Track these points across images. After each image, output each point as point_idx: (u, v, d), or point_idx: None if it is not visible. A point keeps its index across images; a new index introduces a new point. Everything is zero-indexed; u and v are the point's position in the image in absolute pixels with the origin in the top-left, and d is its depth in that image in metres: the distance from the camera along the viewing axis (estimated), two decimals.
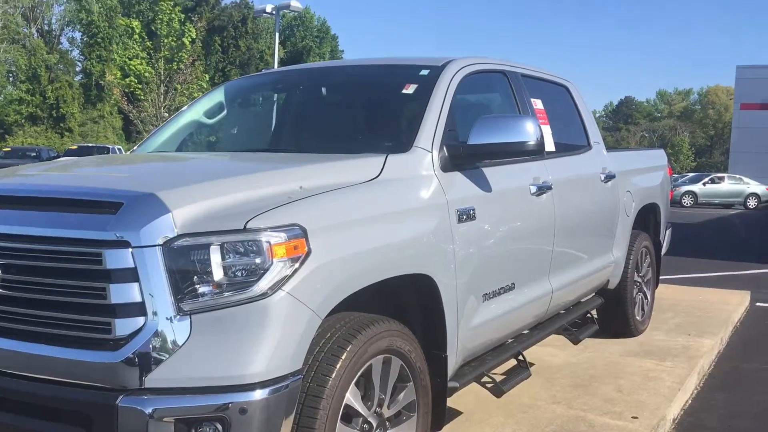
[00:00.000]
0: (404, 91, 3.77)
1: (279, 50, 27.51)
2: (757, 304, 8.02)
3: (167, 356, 2.32)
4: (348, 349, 2.64)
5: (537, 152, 3.51)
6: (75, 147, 34.49)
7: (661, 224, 6.44)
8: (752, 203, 35.10)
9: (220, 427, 2.33)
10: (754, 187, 35.52)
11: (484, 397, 4.07)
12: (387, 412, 2.92)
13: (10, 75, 55.94)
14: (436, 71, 3.77)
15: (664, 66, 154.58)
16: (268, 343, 2.38)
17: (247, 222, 2.40)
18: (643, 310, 6.12)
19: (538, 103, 4.47)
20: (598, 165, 5.14)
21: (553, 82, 5.09)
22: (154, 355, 2.31)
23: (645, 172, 6.10)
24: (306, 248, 2.49)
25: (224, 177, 2.82)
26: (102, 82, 43.42)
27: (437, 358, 3.24)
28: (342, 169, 3.05)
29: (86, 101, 54.77)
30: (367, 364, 2.76)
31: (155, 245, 2.33)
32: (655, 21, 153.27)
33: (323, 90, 4.34)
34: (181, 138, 4.39)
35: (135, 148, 4.44)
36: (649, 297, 6.25)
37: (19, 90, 50.99)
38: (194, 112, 4.51)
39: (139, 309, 2.33)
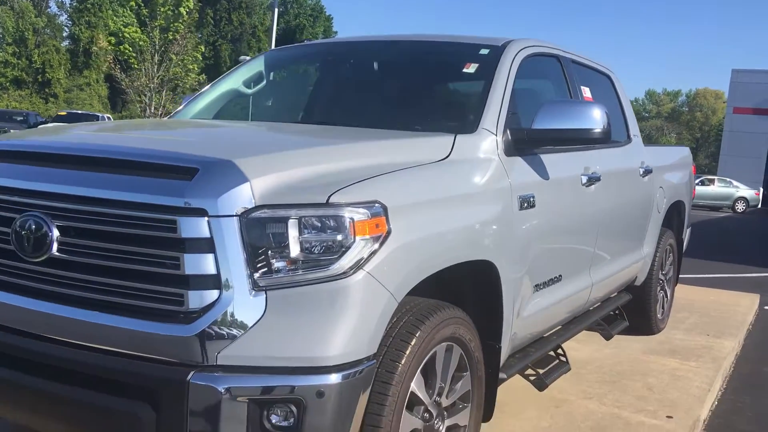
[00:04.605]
0: (465, 70, 3.63)
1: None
2: (766, 307, 8.01)
3: (241, 333, 2.18)
4: (417, 335, 2.52)
5: (603, 140, 3.38)
6: (64, 113, 33.76)
7: (684, 222, 6.37)
8: (740, 207, 35.32)
9: (294, 409, 2.20)
10: (743, 191, 35.72)
11: (513, 389, 3.98)
12: (445, 402, 2.81)
13: None
14: (497, 51, 3.63)
15: (654, 66, 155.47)
16: (346, 325, 2.26)
17: (330, 196, 2.26)
18: (663, 308, 6.06)
19: (586, 91, 4.35)
20: (638, 159, 5.04)
21: (597, 70, 4.96)
22: (228, 330, 2.18)
23: (675, 168, 6.01)
24: (387, 227, 2.36)
25: (300, 148, 2.67)
26: (92, 49, 42.61)
27: (491, 349, 3.14)
28: (414, 147, 2.91)
29: (73, 68, 53.70)
30: (433, 351, 2.65)
31: (233, 215, 2.18)
32: (645, 22, 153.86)
33: (376, 65, 4.15)
34: (219, 107, 4.21)
35: (171, 115, 4.26)
36: (669, 295, 6.19)
37: (5, 52, 49.91)
38: (232, 81, 4.33)
39: (213, 282, 2.19)
